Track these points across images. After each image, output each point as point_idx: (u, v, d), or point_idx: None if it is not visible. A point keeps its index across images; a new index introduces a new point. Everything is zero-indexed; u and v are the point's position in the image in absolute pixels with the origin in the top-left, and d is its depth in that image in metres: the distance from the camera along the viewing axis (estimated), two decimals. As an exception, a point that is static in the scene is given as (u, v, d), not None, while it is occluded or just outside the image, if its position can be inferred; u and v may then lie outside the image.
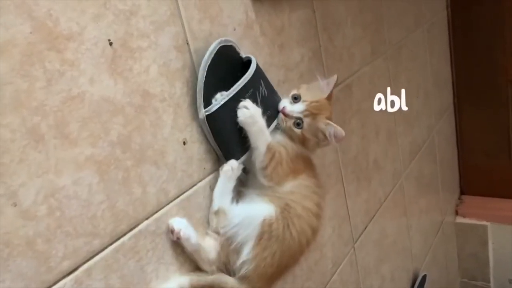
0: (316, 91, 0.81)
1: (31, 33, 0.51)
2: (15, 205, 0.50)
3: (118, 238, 0.61)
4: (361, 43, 1.26)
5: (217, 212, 0.73)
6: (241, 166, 0.76)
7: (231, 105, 0.71)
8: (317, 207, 0.79)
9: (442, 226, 2.03)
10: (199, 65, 0.71)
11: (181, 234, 0.67)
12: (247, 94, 0.73)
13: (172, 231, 0.67)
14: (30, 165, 0.51)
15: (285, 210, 0.74)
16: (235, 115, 0.71)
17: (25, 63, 0.51)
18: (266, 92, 0.77)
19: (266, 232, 0.71)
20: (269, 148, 0.74)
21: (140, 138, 0.64)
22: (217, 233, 0.73)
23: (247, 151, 0.75)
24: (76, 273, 0.56)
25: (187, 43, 0.71)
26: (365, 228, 1.33)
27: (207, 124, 0.71)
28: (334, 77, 0.82)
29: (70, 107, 0.55)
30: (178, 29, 0.69)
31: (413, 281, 1.70)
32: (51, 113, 0.53)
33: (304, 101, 0.79)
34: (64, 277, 0.55)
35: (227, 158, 0.74)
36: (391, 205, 1.49)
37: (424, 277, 1.73)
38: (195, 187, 0.73)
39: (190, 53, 0.71)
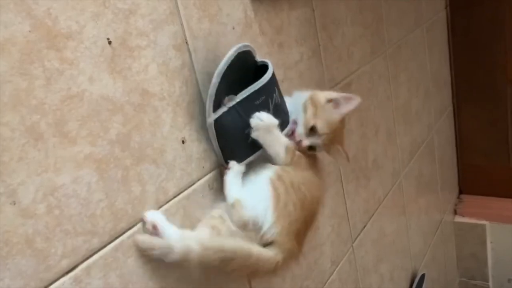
0: (331, 112, 0.79)
1: (30, 31, 0.51)
2: (14, 204, 0.50)
3: (117, 237, 0.62)
4: (361, 42, 1.26)
5: (233, 205, 0.71)
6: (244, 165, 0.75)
7: (239, 110, 0.71)
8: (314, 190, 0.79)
9: (441, 225, 2.04)
10: (199, 64, 0.71)
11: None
12: (258, 101, 0.72)
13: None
14: (29, 164, 0.51)
15: (284, 171, 0.74)
16: (241, 120, 0.71)
17: (24, 61, 0.51)
18: (279, 99, 0.76)
19: (277, 188, 0.71)
20: (288, 149, 0.75)
21: (139, 137, 0.64)
22: (243, 226, 0.70)
23: (249, 156, 0.75)
24: (75, 271, 0.56)
25: (186, 42, 0.71)
26: (364, 227, 1.33)
27: (213, 129, 0.71)
28: (357, 100, 0.80)
29: (69, 106, 0.55)
30: (177, 28, 0.69)
31: (411, 280, 1.71)
32: (51, 111, 0.53)
33: (321, 135, 0.78)
34: (63, 275, 0.55)
35: (229, 159, 0.74)
36: (390, 204, 1.49)
37: (423, 276, 1.73)
38: (194, 186, 0.73)
39: (189, 52, 0.71)
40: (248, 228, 0.70)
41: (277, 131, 0.73)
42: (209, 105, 0.70)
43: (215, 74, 0.69)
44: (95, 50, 0.58)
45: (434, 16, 1.84)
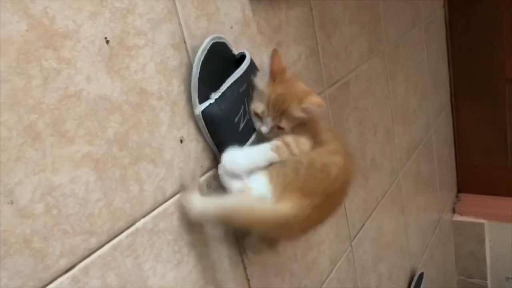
0: (262, 85, 0.75)
1: (27, 31, 0.51)
2: (12, 203, 0.50)
3: (116, 236, 0.61)
4: (359, 41, 1.26)
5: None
6: None
7: (226, 100, 0.71)
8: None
9: (440, 224, 2.04)
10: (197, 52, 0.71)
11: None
12: (241, 88, 0.74)
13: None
14: (27, 163, 0.51)
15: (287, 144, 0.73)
16: (229, 110, 0.71)
17: (21, 61, 0.51)
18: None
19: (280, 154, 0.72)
20: (276, 148, 0.72)
21: (137, 136, 0.64)
22: None
23: (243, 145, 0.75)
24: (73, 271, 0.56)
25: (184, 41, 0.71)
26: (363, 226, 1.33)
27: (202, 120, 0.71)
28: (273, 51, 0.74)
29: (67, 105, 0.55)
30: (175, 27, 0.69)
31: (410, 279, 1.71)
32: (48, 111, 0.53)
33: (262, 112, 0.74)
34: (61, 275, 0.55)
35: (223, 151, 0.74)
36: (389, 203, 1.50)
37: (422, 275, 1.73)
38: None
39: (187, 51, 0.71)
40: None
41: (247, 162, 0.71)
42: (194, 96, 0.70)
43: (194, 64, 0.69)
44: (93, 49, 0.58)
45: (432, 15, 1.84)
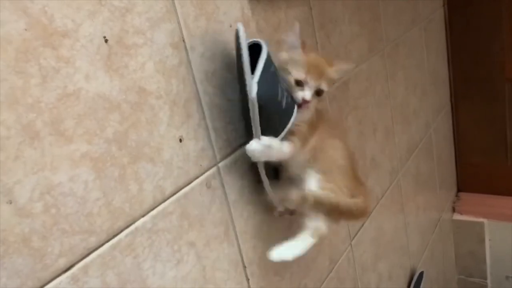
0: (294, 54, 0.79)
1: (26, 29, 0.51)
2: (11, 203, 0.50)
3: (115, 235, 0.61)
4: (358, 41, 1.26)
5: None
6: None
7: (265, 81, 0.71)
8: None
9: (439, 223, 2.04)
10: (196, 62, 0.71)
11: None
12: (271, 69, 0.73)
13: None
14: (26, 162, 0.51)
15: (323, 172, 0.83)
16: (272, 90, 0.72)
17: (20, 59, 0.50)
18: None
19: (329, 188, 0.82)
20: (293, 142, 0.78)
21: (136, 135, 0.64)
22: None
23: (288, 122, 0.76)
24: (72, 270, 0.56)
25: (183, 40, 0.71)
26: (362, 226, 1.33)
27: (256, 104, 0.70)
28: (296, 25, 0.79)
29: (66, 104, 0.55)
30: (174, 26, 0.69)
31: (410, 278, 1.71)
32: (47, 110, 0.53)
33: (305, 79, 0.77)
34: (60, 274, 0.55)
35: (271, 134, 0.74)
36: (388, 202, 1.49)
37: (421, 274, 1.73)
38: (192, 184, 0.73)
39: (186, 50, 0.71)
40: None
41: (276, 144, 0.75)
42: (249, 80, 0.69)
43: (242, 48, 0.69)
44: (92, 48, 0.58)
45: (432, 15, 1.84)
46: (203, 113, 0.74)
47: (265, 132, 0.74)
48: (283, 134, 0.76)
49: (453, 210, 2.22)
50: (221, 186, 0.78)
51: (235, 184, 0.81)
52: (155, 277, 0.67)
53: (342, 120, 0.99)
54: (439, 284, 2.06)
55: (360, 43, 1.27)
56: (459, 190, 2.28)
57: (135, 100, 0.63)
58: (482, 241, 2.16)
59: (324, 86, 0.80)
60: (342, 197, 0.84)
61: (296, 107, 0.78)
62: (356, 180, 0.89)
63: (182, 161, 0.71)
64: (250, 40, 0.76)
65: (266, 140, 0.74)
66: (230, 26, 0.80)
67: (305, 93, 0.78)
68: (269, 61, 0.74)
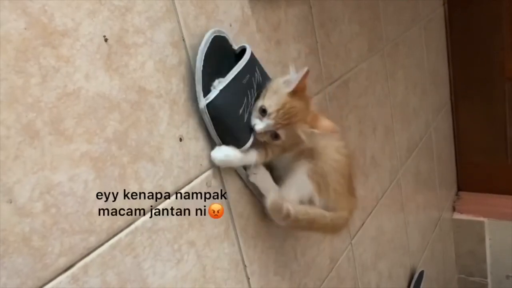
0: (282, 89, 0.75)
1: (25, 29, 0.51)
2: (11, 202, 0.50)
3: (115, 235, 0.61)
4: (358, 40, 1.26)
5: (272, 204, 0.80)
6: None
7: (230, 91, 0.71)
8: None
9: (440, 222, 2.04)
10: (195, 59, 0.70)
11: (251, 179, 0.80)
12: (244, 80, 0.73)
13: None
14: (26, 162, 0.51)
15: (315, 152, 0.83)
16: (233, 102, 0.71)
17: (20, 59, 0.50)
18: (260, 78, 0.77)
19: (317, 179, 0.83)
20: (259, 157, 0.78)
21: (136, 135, 0.64)
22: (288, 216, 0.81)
23: (250, 137, 0.75)
24: (73, 270, 0.56)
25: (183, 39, 0.71)
26: (363, 225, 1.33)
27: (207, 113, 0.70)
28: (304, 69, 0.73)
29: (66, 103, 0.55)
30: (174, 25, 0.69)
31: (410, 277, 1.71)
32: (47, 109, 0.53)
33: (270, 114, 0.73)
34: (60, 274, 0.55)
35: (232, 145, 0.74)
36: (389, 201, 1.49)
37: (422, 273, 1.73)
38: (192, 183, 0.73)
39: (186, 49, 0.71)
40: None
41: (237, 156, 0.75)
42: (198, 89, 0.70)
43: (197, 57, 0.70)
44: (91, 48, 0.58)
45: (432, 13, 1.84)
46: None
47: (228, 141, 0.73)
48: (246, 146, 0.74)
49: (453, 209, 2.22)
50: (221, 185, 0.78)
51: (235, 184, 0.81)
52: (155, 277, 0.67)
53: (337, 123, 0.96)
54: (439, 283, 2.06)
55: (360, 42, 1.27)
56: (459, 189, 2.28)
57: (135, 100, 0.63)
58: (482, 240, 2.16)
59: (282, 134, 0.74)
60: (319, 214, 0.84)
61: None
62: (349, 190, 0.89)
63: (182, 160, 0.71)
64: (240, 45, 0.77)
65: (224, 149, 0.73)
66: (230, 25, 0.80)
67: (259, 125, 0.74)
68: (245, 71, 0.73)
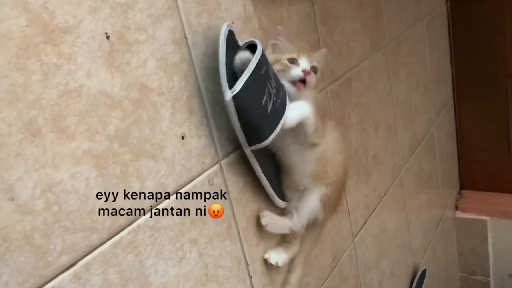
0: (288, 46, 0.85)
1: (27, 26, 0.51)
2: (12, 200, 0.50)
3: (117, 233, 0.61)
4: (360, 38, 1.25)
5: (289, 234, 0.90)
6: None
7: (253, 82, 0.70)
8: (343, 152, 0.95)
9: (442, 221, 2.04)
10: (198, 59, 0.70)
11: (268, 228, 0.85)
12: (262, 71, 0.72)
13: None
14: (27, 160, 0.51)
15: (328, 184, 0.89)
16: (256, 93, 0.71)
17: (21, 56, 0.50)
18: (273, 71, 0.77)
19: (325, 203, 0.89)
20: (314, 113, 0.80)
21: (138, 132, 0.63)
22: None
23: (274, 130, 0.74)
24: (74, 268, 0.56)
25: (185, 37, 0.70)
26: (365, 223, 1.33)
27: (234, 106, 0.69)
28: (278, 28, 0.85)
29: (67, 101, 0.55)
30: (176, 23, 0.69)
31: (412, 276, 1.70)
32: (48, 106, 0.53)
33: (298, 56, 0.82)
34: (62, 272, 0.55)
35: (255, 139, 0.74)
36: (391, 200, 1.49)
37: (424, 272, 1.73)
38: (194, 182, 0.73)
39: (188, 46, 0.71)
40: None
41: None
42: (224, 83, 0.69)
43: (220, 50, 0.70)
44: (93, 45, 0.57)
45: (434, 11, 1.83)
46: (205, 110, 0.74)
47: (251, 134, 0.74)
48: (268, 140, 0.74)
49: (456, 207, 2.21)
50: (223, 183, 0.78)
51: (238, 182, 0.81)
52: (157, 275, 0.67)
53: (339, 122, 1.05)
54: (442, 282, 2.06)
55: (362, 40, 1.27)
56: (461, 187, 2.28)
57: (137, 97, 0.63)
58: (484, 238, 2.15)
59: (316, 63, 0.83)
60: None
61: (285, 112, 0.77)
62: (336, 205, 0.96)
63: (184, 158, 0.71)
64: (247, 41, 0.76)
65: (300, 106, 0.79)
66: (233, 23, 0.79)
67: (302, 65, 0.81)
68: (261, 63, 0.72)
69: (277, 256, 0.88)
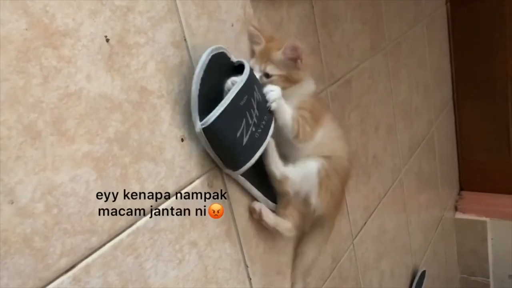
0: (258, 47, 0.84)
1: (27, 29, 0.51)
2: (12, 203, 0.50)
3: (117, 235, 0.61)
4: (360, 39, 1.25)
5: (280, 180, 0.82)
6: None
7: (227, 115, 0.69)
8: (343, 141, 0.94)
9: (442, 222, 2.04)
10: (197, 63, 0.70)
11: (263, 211, 0.83)
12: (242, 102, 0.71)
13: (253, 211, 0.83)
14: (27, 162, 0.51)
15: (327, 158, 0.87)
16: (231, 125, 0.70)
17: (21, 59, 0.50)
18: (260, 97, 0.76)
19: (323, 179, 0.86)
20: (293, 119, 0.80)
21: (137, 135, 0.63)
22: (286, 194, 0.85)
23: (249, 160, 0.74)
24: (74, 270, 0.56)
25: (185, 39, 0.70)
26: (365, 224, 1.33)
27: (204, 137, 0.70)
28: (250, 28, 0.84)
29: (67, 104, 0.55)
30: (176, 25, 0.69)
31: (412, 277, 1.71)
32: (48, 110, 0.53)
33: (254, 62, 0.81)
34: (62, 274, 0.55)
35: (229, 167, 0.75)
36: (391, 200, 1.49)
37: (424, 273, 1.73)
38: (193, 184, 0.73)
39: (188, 49, 0.71)
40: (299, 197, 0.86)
41: (283, 101, 0.79)
42: (194, 114, 0.69)
43: (193, 82, 0.69)
44: (93, 48, 0.58)
45: (434, 12, 1.83)
46: (205, 112, 0.74)
47: (227, 162, 0.75)
48: (244, 168, 0.75)
49: (456, 208, 2.22)
50: (223, 185, 0.78)
51: (237, 184, 0.81)
52: (157, 277, 0.67)
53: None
54: (441, 283, 2.06)
55: (362, 41, 1.27)
56: (461, 188, 2.28)
57: (137, 100, 0.63)
58: (484, 240, 2.15)
59: (269, 69, 0.80)
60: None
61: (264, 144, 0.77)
62: (336, 204, 0.95)
63: (184, 160, 0.71)
64: (239, 60, 0.75)
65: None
66: (232, 25, 0.80)
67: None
68: (242, 92, 0.71)
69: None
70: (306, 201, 0.87)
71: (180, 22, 0.70)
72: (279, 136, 0.82)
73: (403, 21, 1.54)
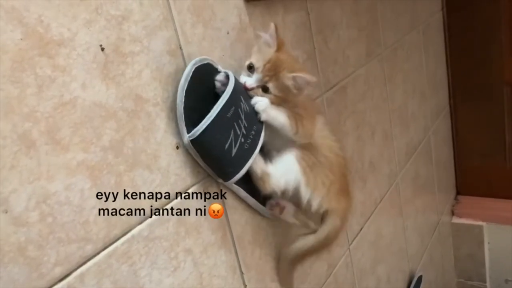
0: (266, 49, 0.77)
1: (21, 39, 0.51)
2: (6, 212, 0.50)
3: (111, 243, 0.61)
4: (356, 45, 1.26)
5: (261, 177, 0.78)
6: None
7: (214, 127, 0.69)
8: (333, 135, 0.90)
9: (438, 226, 2.04)
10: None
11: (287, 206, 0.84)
12: (229, 113, 0.71)
13: (277, 204, 0.84)
14: (22, 171, 0.51)
15: (303, 146, 0.82)
16: (219, 137, 0.70)
17: (16, 69, 0.51)
18: (247, 107, 0.75)
19: (305, 168, 0.81)
20: (289, 117, 0.77)
21: (132, 143, 0.64)
22: (273, 192, 0.80)
23: (238, 172, 0.74)
24: (69, 279, 0.56)
25: (180, 48, 0.71)
26: (361, 229, 1.33)
27: (193, 149, 0.70)
28: (271, 25, 0.77)
29: (62, 113, 0.55)
30: (171, 34, 0.69)
31: (409, 282, 1.71)
32: (43, 119, 0.53)
33: (257, 68, 0.76)
34: (56, 283, 0.55)
35: (221, 178, 0.75)
36: (387, 206, 1.49)
37: (420, 277, 1.73)
38: (189, 191, 0.73)
39: (183, 57, 0.71)
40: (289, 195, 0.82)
41: (273, 107, 0.77)
42: (181, 126, 0.69)
43: (178, 93, 0.69)
44: (88, 57, 0.58)
45: (430, 18, 1.84)
46: (200, 120, 0.74)
47: (218, 172, 0.75)
48: (235, 179, 0.75)
49: (452, 213, 2.22)
50: (218, 192, 0.78)
51: (232, 191, 0.81)
52: (152, 285, 0.67)
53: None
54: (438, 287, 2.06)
55: (358, 48, 1.27)
56: (458, 193, 2.28)
57: (132, 108, 0.63)
58: (481, 244, 2.16)
59: (271, 86, 0.75)
60: (312, 238, 0.88)
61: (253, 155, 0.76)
62: (342, 190, 0.88)
63: (179, 168, 0.71)
64: (224, 71, 0.75)
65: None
66: (228, 33, 0.80)
67: (249, 81, 0.76)
68: (229, 103, 0.71)
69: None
70: (298, 197, 0.82)
71: (176, 30, 0.70)
72: (266, 136, 0.79)
73: (399, 27, 1.54)
